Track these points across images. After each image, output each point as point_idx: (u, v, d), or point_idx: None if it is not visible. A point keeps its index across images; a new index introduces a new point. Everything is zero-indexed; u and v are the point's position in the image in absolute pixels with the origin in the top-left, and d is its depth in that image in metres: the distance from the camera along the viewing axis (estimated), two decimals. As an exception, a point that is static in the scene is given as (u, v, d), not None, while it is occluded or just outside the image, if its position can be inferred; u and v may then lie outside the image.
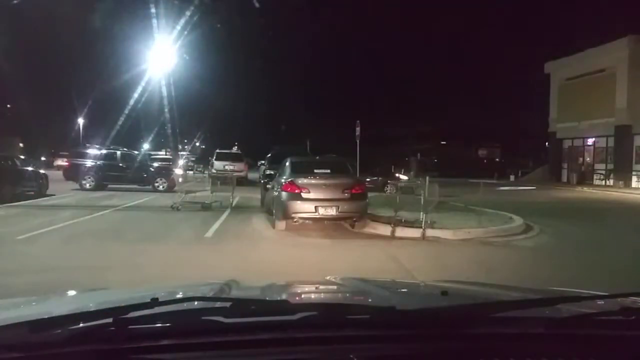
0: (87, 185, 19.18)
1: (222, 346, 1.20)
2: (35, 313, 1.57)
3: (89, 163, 20.52)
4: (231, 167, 24.28)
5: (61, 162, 40.15)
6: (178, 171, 21.58)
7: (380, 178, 21.06)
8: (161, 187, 19.36)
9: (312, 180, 9.88)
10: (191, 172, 30.22)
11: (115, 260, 7.06)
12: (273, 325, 1.26)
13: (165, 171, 21.04)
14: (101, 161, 20.21)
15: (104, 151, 21.62)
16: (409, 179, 21.33)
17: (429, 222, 9.44)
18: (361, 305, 1.54)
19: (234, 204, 13.96)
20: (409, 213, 10.13)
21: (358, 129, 17.42)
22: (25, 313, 1.57)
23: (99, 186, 19.16)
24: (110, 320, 1.19)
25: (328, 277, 2.38)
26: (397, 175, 22.63)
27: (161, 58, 21.65)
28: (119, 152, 20.96)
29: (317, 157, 13.29)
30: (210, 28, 21.58)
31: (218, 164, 25.13)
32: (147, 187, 19.42)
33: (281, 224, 9.94)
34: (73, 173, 20.60)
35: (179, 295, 1.43)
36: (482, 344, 1.28)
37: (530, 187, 26.48)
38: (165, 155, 37.98)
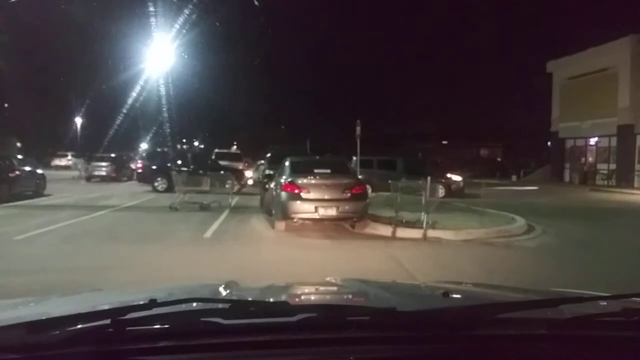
0: (160, 188, 18.89)
1: (221, 348, 1.19)
2: (33, 314, 1.56)
3: (160, 166, 20.22)
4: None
5: (59, 162, 40.20)
6: (248, 173, 21.53)
7: (429, 178, 19.75)
8: (234, 188, 19.07)
9: (311, 180, 9.87)
10: None
11: (113, 260, 7.07)
12: (272, 327, 1.26)
13: (238, 173, 20.77)
14: (174, 163, 19.84)
15: (176, 153, 21.26)
16: (462, 180, 19.78)
17: (430, 222, 9.43)
18: (361, 307, 1.53)
19: (232, 204, 13.96)
20: (410, 213, 10.12)
21: (359, 128, 17.42)
22: (23, 314, 1.56)
23: (171, 188, 19.01)
24: (108, 321, 1.18)
25: (328, 278, 2.38)
26: (448, 175, 19.76)
27: (160, 57, 21.59)
28: (190, 154, 20.61)
29: (317, 157, 13.27)
30: (210, 27, 21.52)
31: None
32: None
33: (281, 225, 9.92)
34: (146, 176, 20.51)
35: (178, 297, 1.42)
36: (484, 345, 1.27)
37: (532, 187, 26.45)
38: None
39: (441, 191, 18.20)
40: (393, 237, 9.31)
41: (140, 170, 21.88)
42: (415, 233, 9.30)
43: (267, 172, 14.33)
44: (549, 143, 35.03)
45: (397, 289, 2.36)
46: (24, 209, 13.33)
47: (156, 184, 19.12)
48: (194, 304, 1.46)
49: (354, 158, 21.28)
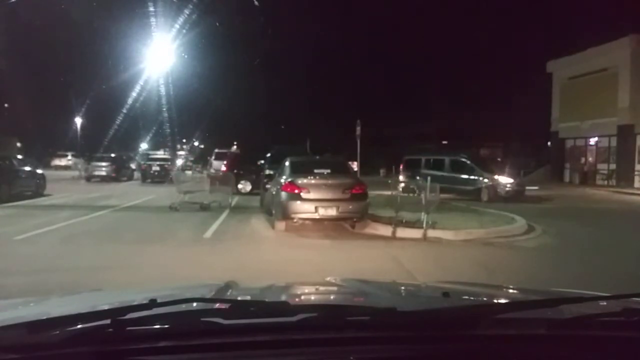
0: (243, 190, 18.60)
1: (221, 348, 1.19)
2: (33, 314, 1.56)
3: (244, 167, 19.69)
4: None
5: (59, 162, 40.14)
6: None
7: (478, 180, 17.61)
8: None
9: (311, 180, 9.87)
10: (189, 172, 30.23)
11: (113, 260, 7.07)
12: (272, 327, 1.26)
13: None
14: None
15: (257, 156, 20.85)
16: (514, 182, 18.09)
17: (430, 222, 9.43)
18: (361, 307, 1.53)
19: (232, 204, 13.95)
20: (410, 213, 10.11)
21: (359, 128, 17.44)
22: (23, 314, 1.56)
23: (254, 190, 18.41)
24: (108, 321, 1.18)
25: (328, 278, 2.38)
26: (495, 177, 17.97)
27: (160, 57, 21.58)
28: (270, 157, 20.36)
29: (317, 157, 13.25)
30: (210, 27, 21.52)
31: (217, 164, 25.09)
32: None
33: (281, 225, 9.92)
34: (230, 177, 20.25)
35: (178, 297, 1.42)
36: (484, 345, 1.27)
37: (532, 187, 26.43)
38: (164, 154, 37.76)
39: (485, 195, 16.94)
40: (393, 237, 9.30)
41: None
42: (415, 233, 9.30)
43: (267, 172, 14.31)
44: (549, 143, 35.02)
45: (397, 288, 2.36)
46: (24, 209, 13.34)
47: (240, 185, 18.82)
48: (194, 304, 1.46)
49: (447, 158, 19.15)
